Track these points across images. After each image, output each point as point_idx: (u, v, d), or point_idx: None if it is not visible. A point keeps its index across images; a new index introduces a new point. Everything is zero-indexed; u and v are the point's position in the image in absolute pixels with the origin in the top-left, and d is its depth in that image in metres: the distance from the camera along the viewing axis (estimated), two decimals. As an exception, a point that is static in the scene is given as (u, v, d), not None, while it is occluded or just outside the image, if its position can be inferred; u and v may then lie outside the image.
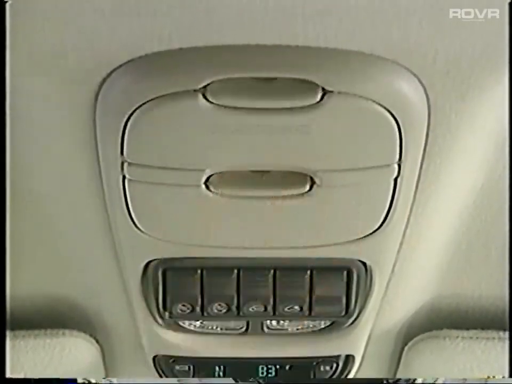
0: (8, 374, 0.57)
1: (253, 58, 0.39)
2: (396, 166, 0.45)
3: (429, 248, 0.58)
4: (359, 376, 0.72)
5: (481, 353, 0.64)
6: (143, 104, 0.41)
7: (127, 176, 0.46)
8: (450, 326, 0.66)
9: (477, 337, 0.65)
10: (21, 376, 0.63)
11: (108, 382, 0.76)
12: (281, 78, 0.40)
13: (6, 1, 0.36)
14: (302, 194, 0.47)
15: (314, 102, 0.41)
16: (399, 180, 0.46)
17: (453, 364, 0.66)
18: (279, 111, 0.41)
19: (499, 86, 0.41)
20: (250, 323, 0.66)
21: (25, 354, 0.65)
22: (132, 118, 0.41)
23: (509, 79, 0.41)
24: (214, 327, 0.67)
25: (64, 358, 0.66)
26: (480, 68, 0.39)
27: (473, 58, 0.39)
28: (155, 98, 0.41)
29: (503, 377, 0.64)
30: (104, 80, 0.41)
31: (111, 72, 0.41)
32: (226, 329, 0.67)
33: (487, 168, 0.49)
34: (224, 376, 0.69)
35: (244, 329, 0.67)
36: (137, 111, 0.41)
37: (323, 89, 0.40)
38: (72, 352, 0.66)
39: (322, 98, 0.41)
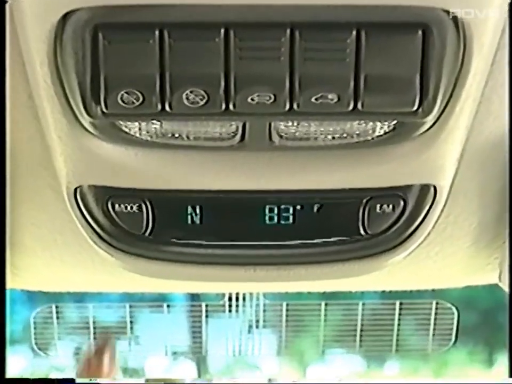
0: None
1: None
2: None
3: None
4: (446, 223, 0.57)
5: None
6: None
7: None
8: None
9: None
10: None
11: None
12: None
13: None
14: None
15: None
16: None
17: None
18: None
19: None
20: (248, 126, 0.52)
21: None
22: None
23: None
24: (184, 135, 0.54)
25: None
26: None
27: None
28: None
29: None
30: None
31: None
32: (205, 138, 0.53)
33: None
34: (201, 223, 0.54)
35: (237, 138, 0.53)
36: None
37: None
38: None
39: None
